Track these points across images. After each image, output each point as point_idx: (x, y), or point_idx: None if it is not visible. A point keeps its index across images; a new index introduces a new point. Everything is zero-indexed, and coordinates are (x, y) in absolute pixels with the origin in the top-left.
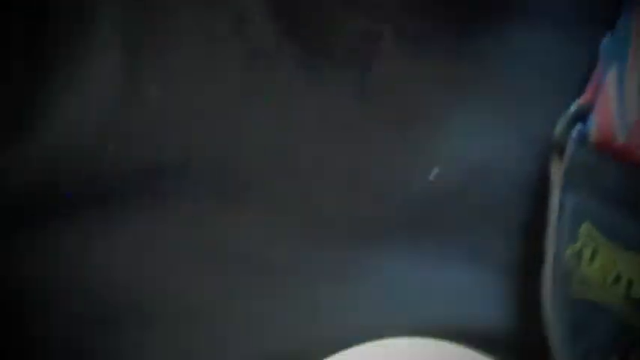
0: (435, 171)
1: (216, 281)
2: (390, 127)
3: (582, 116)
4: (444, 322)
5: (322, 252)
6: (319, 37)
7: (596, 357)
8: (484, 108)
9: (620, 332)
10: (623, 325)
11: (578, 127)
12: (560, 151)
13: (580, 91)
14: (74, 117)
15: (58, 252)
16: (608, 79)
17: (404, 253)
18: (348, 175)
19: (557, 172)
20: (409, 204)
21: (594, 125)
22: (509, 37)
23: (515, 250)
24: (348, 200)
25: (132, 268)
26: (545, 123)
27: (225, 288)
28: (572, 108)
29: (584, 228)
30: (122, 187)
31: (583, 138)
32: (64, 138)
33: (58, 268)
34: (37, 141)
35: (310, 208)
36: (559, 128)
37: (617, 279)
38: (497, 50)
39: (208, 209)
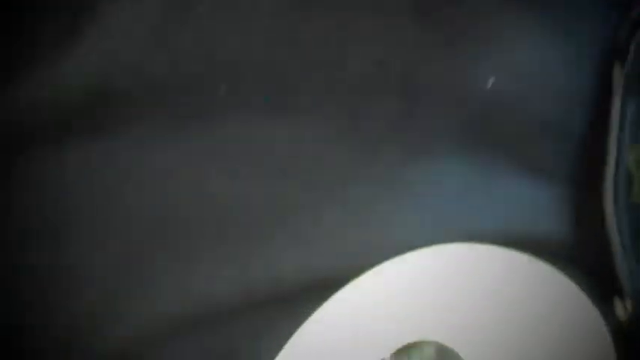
0: (492, 80)
1: (267, 193)
2: (446, 38)
3: None
4: (502, 233)
5: (377, 162)
6: None
7: None
8: (541, 18)
9: None
10: None
11: None
12: (622, 56)
13: None
14: (123, 27)
15: (109, 165)
16: None
17: (459, 164)
18: (403, 86)
19: (618, 77)
20: (465, 114)
21: None
22: None
23: (575, 160)
24: (403, 110)
25: (186, 181)
26: (604, 30)
27: (276, 199)
28: (635, 13)
29: None
30: (173, 100)
31: None
32: (114, 47)
33: (106, 181)
34: (83, 48)
35: (364, 119)
36: (621, 33)
37: None
38: None
39: (260, 120)
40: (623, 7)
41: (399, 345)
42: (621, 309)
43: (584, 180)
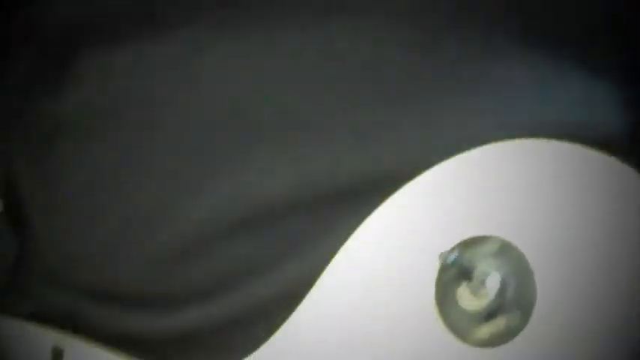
0: None
1: (326, 90)
2: None
3: None
4: (564, 128)
5: (438, 59)
6: None
7: None
8: None
9: None
10: None
11: None
12: None
13: None
14: None
15: (165, 66)
16: None
17: (522, 61)
18: None
19: None
20: (526, 10)
21: None
22: None
23: (636, 57)
24: (463, 7)
25: (244, 80)
26: None
27: (335, 96)
28: None
29: None
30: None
31: None
32: None
33: (161, 82)
34: None
35: (425, 14)
36: None
37: None
38: None
39: (319, 19)
40: None
41: (462, 239)
42: None
43: None
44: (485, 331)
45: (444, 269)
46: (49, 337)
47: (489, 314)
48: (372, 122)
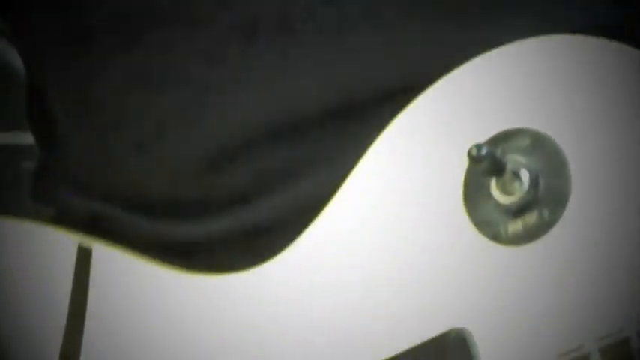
0: None
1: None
2: None
3: None
4: (602, 26)
5: None
6: None
7: None
8: None
9: None
10: None
11: None
12: None
13: None
14: None
15: None
16: None
17: None
18: None
19: None
20: None
21: None
22: None
23: None
24: None
25: None
26: None
27: (363, 7)
28: None
29: None
30: None
31: None
32: None
33: None
34: None
35: None
36: None
37: None
38: None
39: None
40: None
41: (494, 133)
42: None
43: None
44: (515, 227)
45: (474, 163)
46: (73, 239)
47: (520, 209)
48: (404, 30)
